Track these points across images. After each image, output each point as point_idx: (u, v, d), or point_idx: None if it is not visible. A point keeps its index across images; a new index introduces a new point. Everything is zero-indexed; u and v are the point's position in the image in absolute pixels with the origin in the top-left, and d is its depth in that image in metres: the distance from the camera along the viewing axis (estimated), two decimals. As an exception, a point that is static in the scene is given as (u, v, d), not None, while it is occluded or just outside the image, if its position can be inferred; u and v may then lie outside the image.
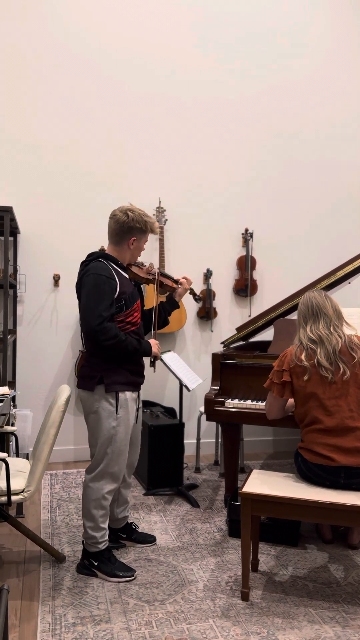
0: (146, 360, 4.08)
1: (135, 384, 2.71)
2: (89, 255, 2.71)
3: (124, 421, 2.65)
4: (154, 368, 2.80)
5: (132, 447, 2.86)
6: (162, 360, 3.56)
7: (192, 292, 2.99)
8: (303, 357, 2.55)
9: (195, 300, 3.02)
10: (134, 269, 2.77)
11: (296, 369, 2.57)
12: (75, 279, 4.38)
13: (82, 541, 2.74)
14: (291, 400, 2.77)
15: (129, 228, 2.66)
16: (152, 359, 2.77)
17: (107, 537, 2.70)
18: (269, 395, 2.74)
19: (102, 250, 4.44)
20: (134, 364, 2.70)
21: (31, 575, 2.68)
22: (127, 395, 2.67)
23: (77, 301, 4.41)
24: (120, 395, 2.64)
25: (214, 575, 2.71)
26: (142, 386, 3.10)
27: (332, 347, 2.53)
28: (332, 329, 2.58)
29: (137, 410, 2.82)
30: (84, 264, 2.69)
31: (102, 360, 2.62)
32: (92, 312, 2.52)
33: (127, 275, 2.74)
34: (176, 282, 2.91)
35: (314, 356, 2.55)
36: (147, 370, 4.37)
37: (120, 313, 2.62)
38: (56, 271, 4.42)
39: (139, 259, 2.88)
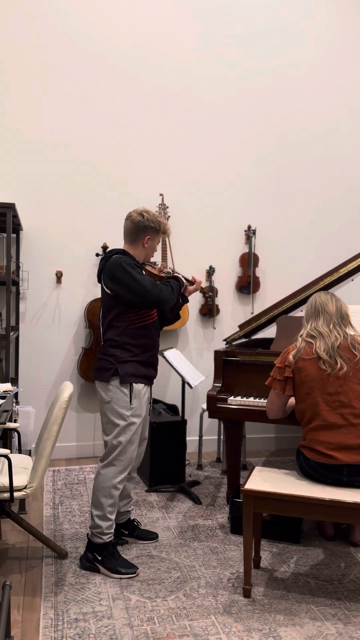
0: (163, 362, 4.07)
1: (148, 377, 2.80)
2: (109, 252, 2.81)
3: (138, 412, 2.74)
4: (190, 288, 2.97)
5: (140, 439, 2.93)
6: (164, 357, 3.58)
7: (202, 290, 3.17)
8: (302, 351, 2.60)
9: (203, 293, 3.14)
10: (148, 268, 2.90)
11: (297, 363, 2.60)
12: (78, 276, 4.44)
13: (87, 533, 2.76)
14: (292, 400, 2.78)
15: (143, 227, 2.79)
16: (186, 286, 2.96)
17: (112, 530, 2.72)
18: (270, 393, 2.75)
19: (105, 247, 4.46)
20: (148, 356, 2.79)
21: (33, 571, 2.69)
22: (141, 388, 2.76)
23: (79, 298, 4.44)
24: (135, 386, 2.72)
25: (215, 572, 2.71)
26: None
27: (330, 342, 2.57)
28: (331, 327, 2.61)
29: (149, 404, 2.92)
30: (104, 259, 2.79)
31: (118, 351, 2.72)
32: (146, 285, 2.65)
33: (143, 272, 2.83)
34: (189, 280, 3.01)
35: (312, 349, 2.58)
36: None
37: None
38: (59, 268, 4.42)
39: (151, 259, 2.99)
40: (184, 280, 2.98)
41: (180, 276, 2.95)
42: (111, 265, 2.70)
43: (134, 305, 2.71)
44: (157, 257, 4.56)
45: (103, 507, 2.69)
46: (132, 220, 2.80)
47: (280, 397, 2.71)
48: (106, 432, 2.76)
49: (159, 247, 4.56)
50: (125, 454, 2.73)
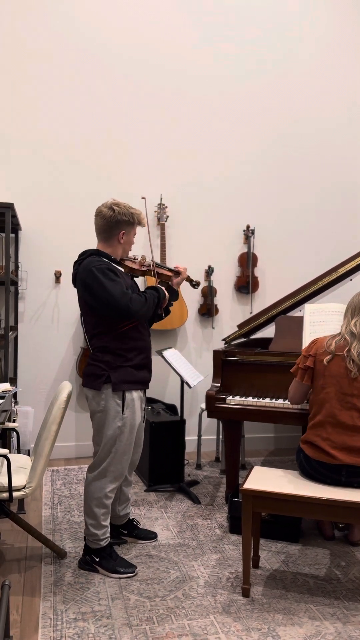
0: (157, 363, 4.07)
1: (142, 381, 2.70)
2: (81, 254, 2.67)
3: (130, 421, 2.65)
4: (163, 315, 2.84)
5: (135, 446, 2.85)
6: (163, 356, 3.57)
7: (189, 279, 2.94)
8: (333, 344, 2.55)
9: (193, 286, 2.95)
10: (128, 263, 2.75)
11: (323, 355, 2.56)
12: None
13: (84, 537, 2.75)
14: None
15: (116, 222, 2.63)
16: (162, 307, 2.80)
17: (108, 534, 2.70)
18: (294, 380, 2.73)
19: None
20: (141, 358, 2.68)
21: (32, 571, 2.69)
22: (134, 395, 2.66)
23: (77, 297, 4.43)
24: (127, 395, 2.62)
25: (214, 571, 2.71)
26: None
27: None
28: None
29: (144, 409, 2.82)
30: (77, 263, 2.67)
31: (109, 357, 2.61)
32: (114, 294, 2.49)
33: (122, 269, 2.73)
34: (173, 271, 2.87)
35: (345, 347, 2.53)
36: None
37: None
38: (57, 268, 4.42)
39: (130, 253, 2.85)
40: (168, 272, 2.84)
41: (158, 285, 2.79)
42: (82, 271, 2.57)
43: (103, 314, 2.55)
44: (157, 256, 4.56)
45: (97, 517, 2.66)
46: (102, 216, 2.63)
47: (300, 385, 2.69)
48: (96, 442, 2.67)
49: (158, 246, 4.56)
50: (117, 465, 2.65)
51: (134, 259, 2.81)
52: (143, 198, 3.05)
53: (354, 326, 2.56)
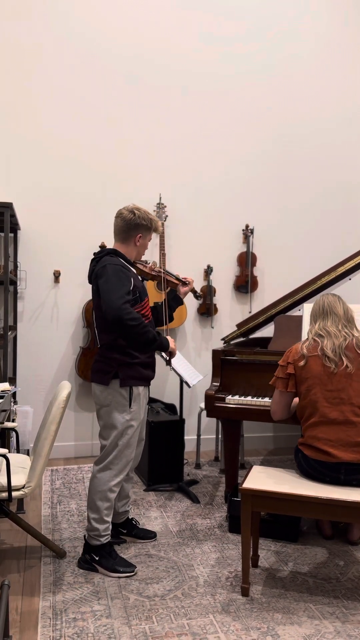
0: (160, 362, 4.07)
1: (147, 378, 2.77)
2: (99, 252, 2.76)
3: (136, 415, 2.71)
4: (170, 365, 2.88)
5: (138, 440, 2.90)
6: (162, 356, 3.57)
7: (193, 291, 3.07)
8: (305, 347, 2.60)
9: (196, 297, 3.11)
10: (139, 266, 2.85)
11: (300, 360, 2.60)
12: (76, 276, 4.44)
13: (84, 535, 2.75)
14: (296, 399, 2.79)
15: (135, 225, 2.73)
16: (168, 357, 2.80)
17: (109, 532, 2.71)
18: (274, 393, 2.75)
19: (102, 246, 4.46)
20: (146, 357, 2.74)
21: (32, 571, 2.69)
22: (140, 390, 2.73)
23: (77, 297, 4.44)
24: (134, 390, 2.69)
25: (214, 570, 2.71)
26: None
27: (339, 342, 2.58)
28: (340, 327, 2.63)
29: (147, 405, 2.90)
30: (95, 260, 2.74)
31: (117, 354, 2.67)
32: (114, 294, 2.53)
33: (134, 271, 2.80)
34: (180, 280, 2.97)
35: (318, 347, 2.59)
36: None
37: (136, 305, 2.67)
38: (56, 267, 4.41)
39: (142, 258, 2.95)
40: (176, 280, 2.94)
41: (172, 279, 2.88)
42: (99, 266, 2.66)
43: (101, 310, 2.58)
44: (156, 256, 4.57)
45: (99, 511, 2.68)
46: (123, 218, 2.74)
47: (284, 395, 2.71)
48: (104, 436, 2.72)
49: (157, 246, 4.56)
50: (122, 458, 2.70)
51: (146, 263, 2.91)
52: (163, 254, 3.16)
53: (319, 330, 2.64)
